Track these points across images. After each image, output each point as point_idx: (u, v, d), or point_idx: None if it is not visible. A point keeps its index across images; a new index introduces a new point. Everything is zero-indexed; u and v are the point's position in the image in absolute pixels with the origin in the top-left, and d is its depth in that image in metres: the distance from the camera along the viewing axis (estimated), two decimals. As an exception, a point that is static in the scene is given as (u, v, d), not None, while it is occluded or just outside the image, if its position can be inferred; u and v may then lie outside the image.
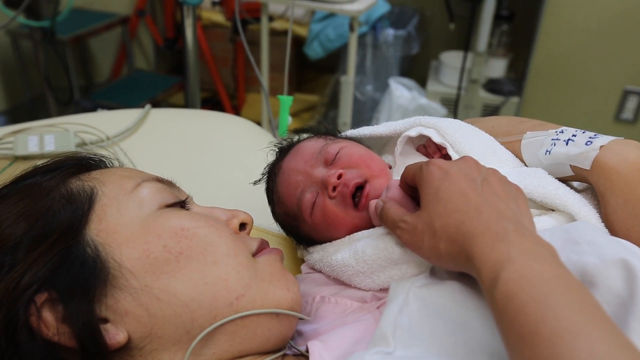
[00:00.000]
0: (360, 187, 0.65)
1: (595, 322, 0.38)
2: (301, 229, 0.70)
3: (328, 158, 0.67)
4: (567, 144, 0.61)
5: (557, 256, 0.45)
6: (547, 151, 0.63)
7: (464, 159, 0.56)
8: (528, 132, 0.67)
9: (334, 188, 0.64)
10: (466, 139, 0.66)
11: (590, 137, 0.60)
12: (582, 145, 0.59)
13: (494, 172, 0.55)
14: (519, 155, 0.67)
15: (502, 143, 0.69)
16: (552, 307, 0.39)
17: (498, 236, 0.46)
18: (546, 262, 0.43)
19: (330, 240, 0.67)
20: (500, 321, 0.42)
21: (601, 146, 0.58)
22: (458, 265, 0.49)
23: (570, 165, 0.61)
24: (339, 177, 0.64)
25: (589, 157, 0.58)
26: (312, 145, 0.70)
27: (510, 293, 0.41)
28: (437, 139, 0.67)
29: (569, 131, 0.62)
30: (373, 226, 0.63)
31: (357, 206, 0.64)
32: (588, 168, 0.59)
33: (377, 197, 0.63)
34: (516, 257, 0.43)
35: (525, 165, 0.67)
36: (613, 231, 0.59)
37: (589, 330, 0.38)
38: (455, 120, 0.71)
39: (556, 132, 0.63)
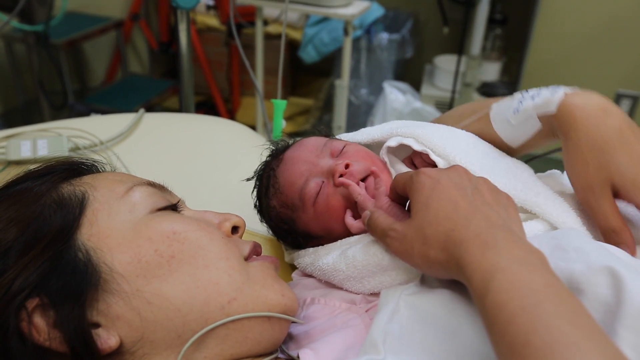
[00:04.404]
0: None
1: (586, 333, 0.38)
2: (298, 222, 0.70)
3: (334, 151, 0.69)
4: (533, 98, 0.63)
5: (548, 264, 0.45)
6: (515, 110, 0.65)
7: (454, 168, 0.56)
8: (493, 104, 0.69)
9: (341, 176, 0.65)
10: (444, 140, 0.67)
11: (554, 88, 0.62)
12: (548, 95, 0.62)
13: (485, 180, 0.55)
14: (490, 133, 0.69)
15: (471, 124, 0.71)
16: (542, 317, 0.39)
17: (488, 244, 0.46)
18: (536, 270, 0.43)
19: (328, 233, 0.68)
20: (491, 331, 0.42)
21: (566, 92, 0.61)
22: (449, 273, 0.49)
23: (538, 116, 0.63)
24: (347, 166, 0.66)
25: (555, 101, 0.61)
26: (316, 140, 0.72)
27: (501, 303, 0.41)
28: (417, 147, 0.68)
29: (534, 90, 0.65)
30: None
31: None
32: (554, 110, 0.61)
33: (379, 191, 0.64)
34: (506, 266, 0.43)
35: (498, 143, 0.69)
36: (573, 168, 0.60)
37: (580, 341, 0.37)
38: (429, 123, 0.72)
39: (521, 93, 0.66)
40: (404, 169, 0.71)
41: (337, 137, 0.77)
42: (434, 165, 0.66)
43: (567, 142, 0.60)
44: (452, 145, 0.66)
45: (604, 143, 0.58)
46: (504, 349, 0.40)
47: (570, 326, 0.38)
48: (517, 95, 0.66)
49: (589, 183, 0.59)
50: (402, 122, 0.73)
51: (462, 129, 0.72)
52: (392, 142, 0.70)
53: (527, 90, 0.65)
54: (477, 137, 0.70)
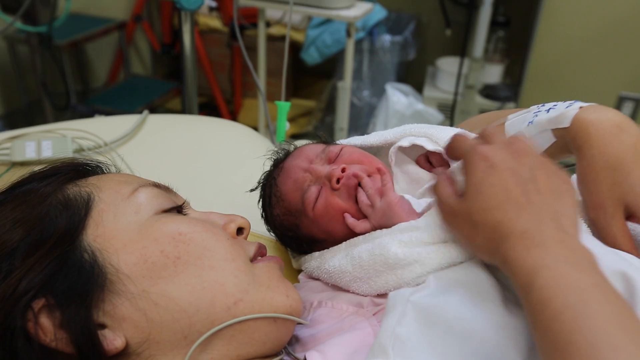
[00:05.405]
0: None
1: (632, 336, 0.37)
2: (301, 228, 0.70)
3: (331, 156, 0.70)
4: (548, 112, 0.62)
5: (596, 264, 0.44)
6: (529, 123, 0.64)
7: (513, 146, 0.52)
8: (510, 115, 0.68)
9: (338, 180, 0.66)
10: None
11: (570, 102, 0.61)
12: (562, 109, 0.61)
13: (543, 165, 0.51)
14: None
15: None
16: (588, 317, 0.38)
17: (534, 241, 0.45)
18: (584, 270, 0.42)
19: (330, 236, 0.68)
20: (535, 328, 0.41)
21: (581, 107, 0.60)
22: (493, 262, 0.49)
23: (552, 130, 0.62)
24: (343, 170, 0.66)
25: (569, 116, 0.59)
26: (313, 147, 0.73)
27: (545, 300, 0.40)
28: (430, 146, 0.68)
29: (550, 103, 0.64)
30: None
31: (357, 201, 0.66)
32: (568, 125, 0.59)
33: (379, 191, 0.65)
34: (551, 264, 0.42)
35: None
36: (585, 185, 0.58)
37: (626, 344, 0.37)
38: (444, 127, 0.72)
39: (538, 106, 0.65)
40: (414, 169, 0.72)
41: (348, 140, 0.78)
42: (447, 164, 0.66)
43: (580, 159, 0.59)
44: None
45: (618, 161, 0.56)
46: (547, 346, 0.39)
47: (616, 328, 0.38)
48: (534, 108, 0.65)
49: (600, 202, 0.57)
50: (415, 124, 0.73)
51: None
52: (405, 142, 0.70)
53: (543, 104, 0.65)
54: None
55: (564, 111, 0.60)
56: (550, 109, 0.62)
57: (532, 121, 0.64)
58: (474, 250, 0.51)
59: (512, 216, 0.47)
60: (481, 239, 0.49)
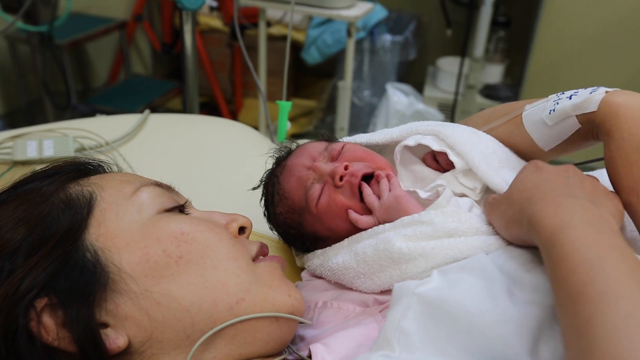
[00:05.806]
0: (367, 177, 0.68)
1: None
2: (305, 225, 0.70)
3: (334, 154, 0.70)
4: (570, 98, 0.62)
5: (619, 232, 0.46)
6: (551, 111, 0.63)
7: (568, 169, 0.57)
8: (527, 105, 0.68)
9: (341, 178, 0.66)
10: (465, 140, 0.66)
11: (594, 88, 0.61)
12: (586, 94, 0.61)
13: (596, 184, 0.56)
14: (520, 135, 0.68)
15: (500, 126, 0.70)
16: (601, 270, 0.40)
17: (563, 205, 0.48)
18: (606, 233, 0.44)
19: (334, 233, 0.68)
20: (553, 281, 0.43)
21: (607, 91, 0.60)
22: (520, 230, 0.52)
23: (576, 116, 0.61)
24: (346, 168, 0.67)
25: (596, 100, 0.59)
26: (316, 145, 0.73)
27: (565, 254, 0.43)
28: (436, 146, 0.68)
29: (570, 91, 0.63)
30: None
31: (362, 198, 0.67)
32: (595, 109, 0.59)
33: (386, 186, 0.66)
34: (577, 224, 0.45)
35: (526, 148, 0.68)
36: (616, 169, 0.58)
37: (635, 293, 0.38)
38: (452, 123, 0.71)
39: (557, 95, 0.65)
40: (420, 168, 0.72)
41: (354, 137, 0.78)
42: (452, 165, 0.66)
43: (609, 142, 0.58)
44: (472, 145, 0.66)
45: None
46: (563, 297, 0.41)
47: (629, 280, 0.39)
48: (552, 97, 0.65)
49: (632, 185, 0.56)
50: (423, 122, 0.73)
51: (491, 131, 0.71)
52: (411, 142, 0.70)
53: (563, 92, 0.64)
54: (499, 142, 0.69)
55: (590, 96, 0.60)
56: (571, 95, 0.62)
57: (554, 109, 0.63)
58: (503, 225, 0.55)
59: (546, 190, 0.51)
60: (513, 211, 0.53)
